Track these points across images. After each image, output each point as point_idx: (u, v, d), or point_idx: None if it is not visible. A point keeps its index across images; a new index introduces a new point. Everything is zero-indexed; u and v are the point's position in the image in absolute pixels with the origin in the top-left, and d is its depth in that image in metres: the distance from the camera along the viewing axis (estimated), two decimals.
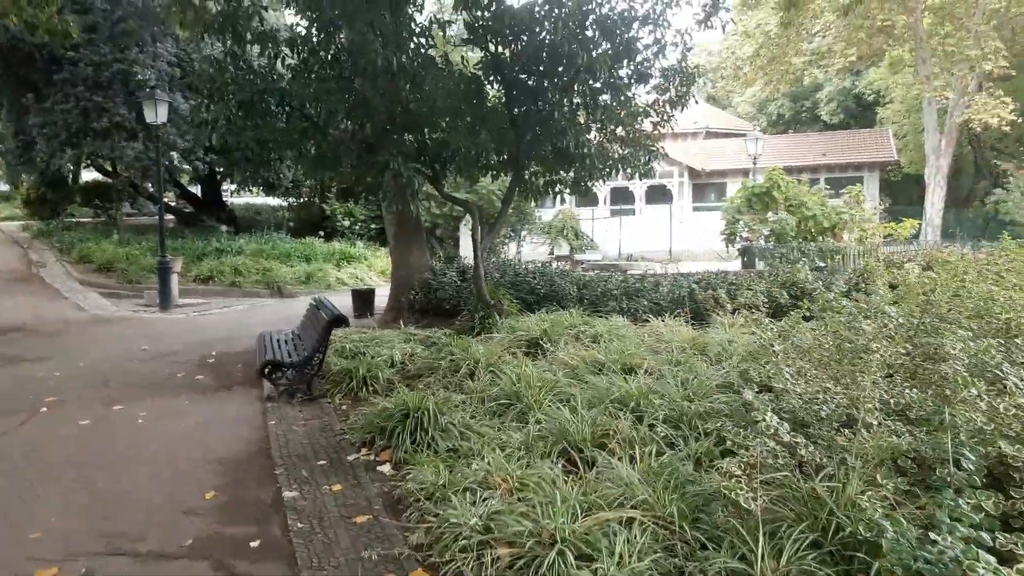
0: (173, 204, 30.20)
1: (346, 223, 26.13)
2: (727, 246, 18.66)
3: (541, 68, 9.34)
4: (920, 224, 23.14)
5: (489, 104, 9.83)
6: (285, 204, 31.41)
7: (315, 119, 8.68)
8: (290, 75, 8.52)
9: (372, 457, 5.50)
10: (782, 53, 31.32)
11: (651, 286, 10.82)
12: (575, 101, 9.60)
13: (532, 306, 10.78)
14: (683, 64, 10.19)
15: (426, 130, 9.47)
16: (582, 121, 10.34)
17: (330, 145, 8.83)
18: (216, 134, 8.01)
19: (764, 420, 3.55)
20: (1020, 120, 26.37)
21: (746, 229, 17.98)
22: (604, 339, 8.37)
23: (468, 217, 22.20)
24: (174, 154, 21.97)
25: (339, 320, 7.28)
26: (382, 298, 14.54)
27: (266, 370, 7.30)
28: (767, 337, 5.56)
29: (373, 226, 27.03)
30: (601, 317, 9.80)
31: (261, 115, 8.46)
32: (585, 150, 10.06)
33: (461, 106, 9.52)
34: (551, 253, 25.44)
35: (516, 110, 9.62)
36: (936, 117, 29.76)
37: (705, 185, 34.64)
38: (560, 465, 4.63)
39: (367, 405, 6.83)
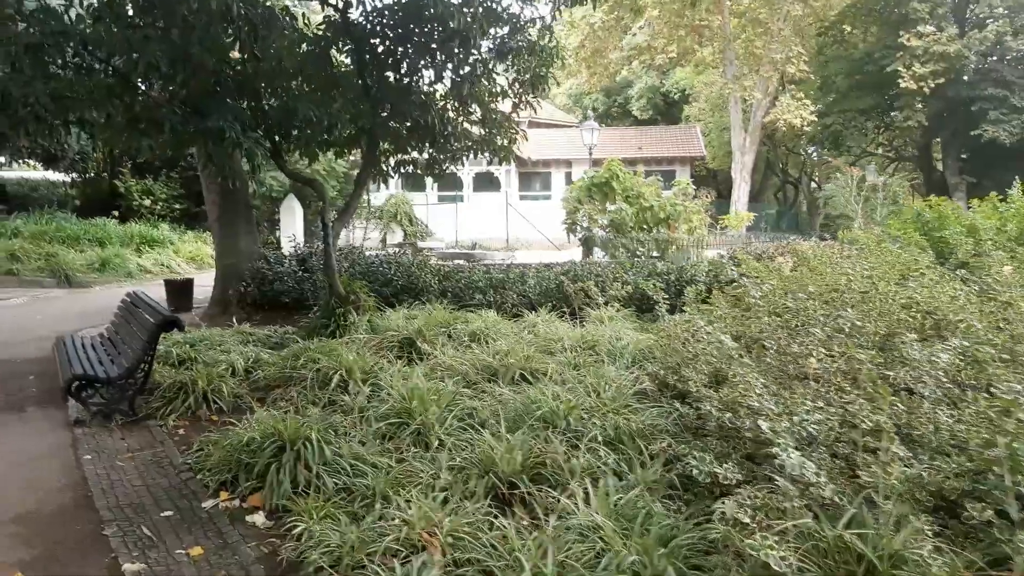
0: None
1: (146, 202, 23.12)
2: (568, 235, 18.51)
3: (401, 31, 8.29)
4: (753, 216, 24.29)
5: (338, 70, 8.65)
6: (68, 180, 27.41)
7: (124, 74, 7.03)
8: (92, 18, 6.79)
9: (237, 503, 4.30)
10: (604, 47, 32.03)
11: (517, 277, 10.14)
12: (441, 72, 8.65)
13: (389, 300, 9.73)
14: (545, 43, 9.53)
15: (267, 95, 8.10)
16: (439, 95, 9.46)
17: (144, 107, 7.23)
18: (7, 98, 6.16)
19: (788, 458, 2.91)
20: (816, 121, 28.72)
21: (586, 219, 17.90)
22: (483, 337, 7.58)
23: (289, 199, 20.49)
24: None
25: (171, 323, 5.87)
26: (200, 290, 12.75)
27: (73, 386, 5.74)
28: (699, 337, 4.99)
29: (177, 206, 24.20)
30: (470, 312, 8.98)
31: (55, 64, 6.71)
32: (449, 128, 9.18)
33: (306, 69, 8.28)
34: (382, 240, 24.17)
35: (369, 79, 8.51)
36: (741, 116, 31.80)
37: (531, 174, 34.74)
38: (487, 506, 3.79)
39: (214, 428, 5.55)
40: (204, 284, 12.96)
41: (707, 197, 20.22)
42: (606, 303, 9.39)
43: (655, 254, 17.56)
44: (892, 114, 32.77)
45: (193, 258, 19.33)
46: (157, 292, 13.73)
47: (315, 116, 7.50)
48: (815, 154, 41.01)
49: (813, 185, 41.91)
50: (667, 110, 45.50)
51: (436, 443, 4.64)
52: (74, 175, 26.35)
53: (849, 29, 34.53)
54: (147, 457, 5.03)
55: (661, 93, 44.87)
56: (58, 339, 7.11)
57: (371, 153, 9.06)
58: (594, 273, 10.07)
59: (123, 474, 4.75)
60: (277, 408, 5.61)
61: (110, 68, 7.00)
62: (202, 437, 5.17)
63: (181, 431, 5.62)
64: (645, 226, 17.59)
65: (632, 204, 17.52)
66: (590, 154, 20.83)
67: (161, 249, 18.93)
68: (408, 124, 9.00)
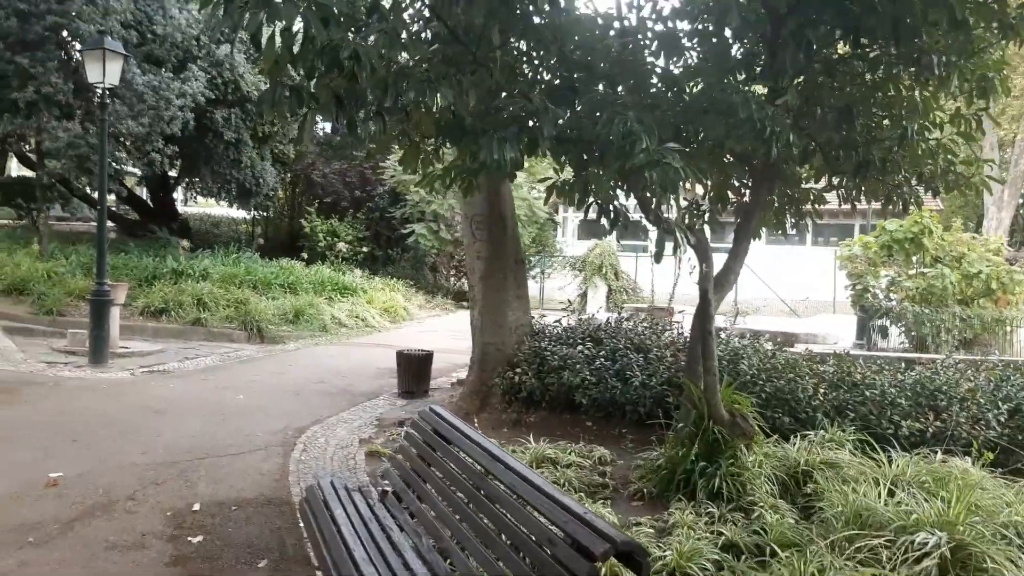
0: (113, 209, 24.53)
1: (337, 244, 21.08)
2: (854, 305, 14.44)
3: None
4: None
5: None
6: (249, 217, 26.08)
7: (466, 43, 4.02)
8: None
9: None
10: None
11: (951, 385, 6.36)
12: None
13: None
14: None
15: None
16: None
17: (519, 94, 4.22)
18: (312, 48, 3.24)
19: None
20: None
21: (884, 284, 13.79)
22: None
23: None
24: (122, 154, 16.90)
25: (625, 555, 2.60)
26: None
27: None
28: None
29: (363, 249, 22.04)
30: (902, 451, 5.37)
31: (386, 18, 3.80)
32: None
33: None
34: (581, 296, 20.87)
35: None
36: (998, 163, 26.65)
37: (728, 224, 30.71)
38: None
39: None
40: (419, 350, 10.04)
41: None
42: None
43: (966, 336, 13.39)
44: None
45: (387, 310, 16.76)
46: (364, 355, 11.10)
47: (759, 121, 4.22)
48: None
49: None
50: None
51: None
52: (257, 213, 24.99)
53: None
54: None
55: None
56: (311, 495, 4.05)
57: (768, 184, 5.73)
58: None
59: None
60: None
61: (451, 34, 3.99)
62: None
63: None
64: (966, 299, 13.35)
65: (952, 268, 13.34)
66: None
67: (354, 298, 16.50)
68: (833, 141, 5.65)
